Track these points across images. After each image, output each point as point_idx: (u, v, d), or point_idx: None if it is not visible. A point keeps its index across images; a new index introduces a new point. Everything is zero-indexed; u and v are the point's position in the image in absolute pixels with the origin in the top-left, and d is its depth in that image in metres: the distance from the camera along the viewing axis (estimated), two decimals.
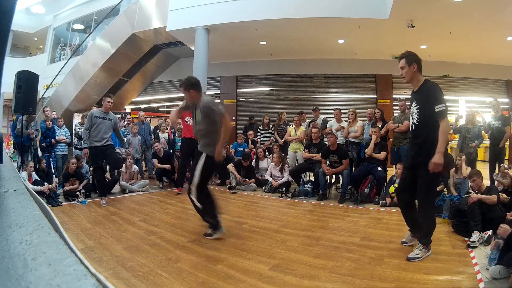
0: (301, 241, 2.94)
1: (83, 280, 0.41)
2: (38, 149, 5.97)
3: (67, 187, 4.73)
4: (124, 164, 5.29)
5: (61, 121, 6.17)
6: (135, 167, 5.69)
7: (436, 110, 2.36)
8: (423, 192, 2.57)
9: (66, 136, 6.04)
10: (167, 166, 5.90)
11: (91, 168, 5.20)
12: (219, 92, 10.38)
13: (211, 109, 2.93)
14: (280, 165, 5.60)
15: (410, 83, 2.60)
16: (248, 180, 5.78)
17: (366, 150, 4.94)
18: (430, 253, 2.54)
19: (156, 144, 6.15)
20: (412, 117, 2.61)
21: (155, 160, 6.04)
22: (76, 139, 5.94)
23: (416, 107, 2.54)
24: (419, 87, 2.55)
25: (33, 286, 0.40)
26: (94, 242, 2.79)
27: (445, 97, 2.45)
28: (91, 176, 5.16)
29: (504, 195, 3.20)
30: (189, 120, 5.32)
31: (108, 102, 4.49)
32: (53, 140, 5.84)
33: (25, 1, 12.08)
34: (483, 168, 4.89)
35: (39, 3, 12.37)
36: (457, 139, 5.59)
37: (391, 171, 5.34)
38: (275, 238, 3.03)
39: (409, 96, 2.75)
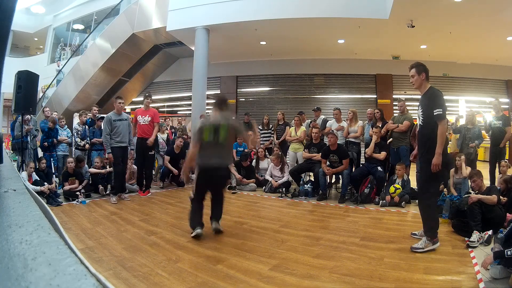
0: (301, 241, 2.94)
1: (83, 280, 0.41)
2: (38, 149, 5.96)
3: (66, 187, 4.73)
4: None
5: (63, 121, 6.16)
6: (135, 167, 5.67)
7: (434, 113, 2.63)
8: (421, 185, 2.86)
9: (67, 137, 6.04)
10: (175, 171, 5.79)
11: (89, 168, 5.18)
12: (219, 92, 10.38)
13: None
14: (280, 165, 5.60)
15: (419, 90, 2.87)
16: (246, 180, 5.77)
17: (366, 150, 4.95)
18: (436, 246, 2.64)
19: (180, 139, 5.97)
20: (418, 119, 2.88)
21: (167, 158, 5.86)
22: (77, 139, 5.91)
23: (421, 110, 2.81)
24: (424, 93, 2.81)
25: (33, 286, 0.40)
26: (94, 242, 2.79)
27: (445, 98, 2.74)
28: (90, 176, 5.16)
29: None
30: (140, 119, 5.07)
31: (120, 103, 4.68)
32: (55, 140, 5.83)
33: (25, 1, 12.09)
34: (483, 168, 4.88)
35: (39, 3, 12.39)
36: (457, 139, 5.58)
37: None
38: (275, 238, 3.03)
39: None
